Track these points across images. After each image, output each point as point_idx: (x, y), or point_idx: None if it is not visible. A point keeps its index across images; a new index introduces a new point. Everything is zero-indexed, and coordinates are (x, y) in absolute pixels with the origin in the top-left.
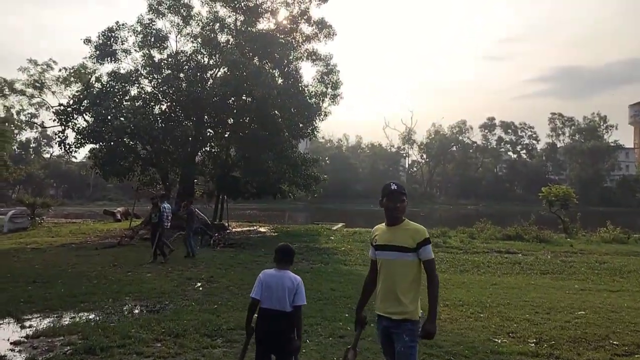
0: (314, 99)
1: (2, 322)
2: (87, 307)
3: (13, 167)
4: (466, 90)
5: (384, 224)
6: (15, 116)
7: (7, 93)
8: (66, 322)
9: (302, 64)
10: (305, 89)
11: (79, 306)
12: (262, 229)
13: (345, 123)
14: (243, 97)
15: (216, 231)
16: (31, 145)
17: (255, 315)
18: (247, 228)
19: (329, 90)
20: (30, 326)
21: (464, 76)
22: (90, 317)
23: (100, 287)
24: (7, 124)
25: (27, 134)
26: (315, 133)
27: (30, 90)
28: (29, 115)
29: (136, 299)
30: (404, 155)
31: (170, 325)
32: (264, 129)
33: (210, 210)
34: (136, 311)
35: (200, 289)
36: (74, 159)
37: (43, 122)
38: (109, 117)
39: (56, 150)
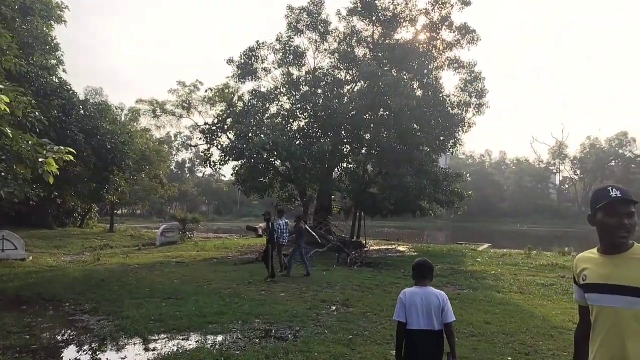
0: (456, 110)
1: (129, 342)
2: (215, 330)
3: (168, 185)
4: (627, 99)
5: (595, 250)
6: (173, 138)
7: (159, 114)
8: (191, 347)
9: (443, 73)
10: (447, 99)
11: (207, 328)
12: (401, 248)
13: (486, 137)
14: (380, 111)
15: (353, 249)
16: (186, 165)
17: None
18: (385, 247)
19: (473, 99)
20: (154, 349)
21: (623, 83)
22: (218, 339)
23: (231, 307)
24: (164, 145)
25: (183, 155)
26: (459, 146)
27: (179, 111)
28: (185, 137)
29: (266, 322)
30: (555, 171)
31: (299, 358)
32: (402, 143)
33: (348, 228)
34: (264, 336)
35: (335, 313)
36: (222, 178)
37: (197, 144)
38: (250, 135)
39: (208, 170)
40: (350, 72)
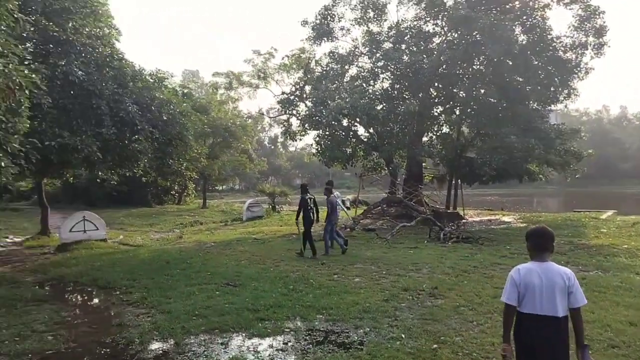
0: (569, 53)
1: (157, 348)
2: (263, 330)
3: (257, 160)
4: None
5: None
6: (265, 114)
7: (235, 86)
8: (226, 356)
9: (551, 12)
10: (557, 41)
11: (255, 327)
12: (505, 219)
13: (602, 92)
14: (476, 63)
15: (449, 221)
16: (279, 140)
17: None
18: (487, 217)
19: (591, 38)
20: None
21: None
22: (262, 345)
23: (292, 297)
24: (249, 120)
25: (276, 130)
26: (573, 96)
27: (255, 81)
28: (278, 110)
29: (329, 319)
30: None
31: None
32: (503, 98)
33: (442, 197)
34: (321, 341)
35: (418, 307)
36: (313, 150)
37: (275, 115)
38: (327, 100)
39: (299, 143)
40: (439, 21)
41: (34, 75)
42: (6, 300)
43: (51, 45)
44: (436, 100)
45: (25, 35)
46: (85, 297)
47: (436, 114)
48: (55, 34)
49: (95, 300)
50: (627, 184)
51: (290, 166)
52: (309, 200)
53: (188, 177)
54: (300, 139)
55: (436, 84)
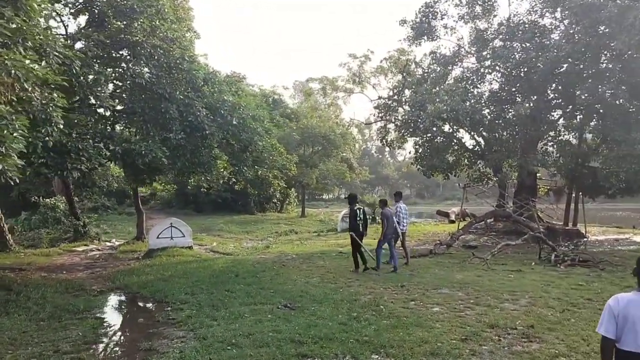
0: None
1: None
2: None
3: (359, 169)
4: None
5: None
6: (364, 122)
7: (329, 92)
8: None
9: None
10: None
11: None
12: (637, 238)
13: None
14: (601, 60)
15: (567, 239)
16: (387, 149)
17: None
18: (615, 236)
19: None
20: None
21: None
22: None
23: (351, 328)
24: (349, 128)
25: None
26: None
27: (350, 86)
28: (374, 116)
29: None
30: None
31: None
32: (635, 99)
33: (560, 212)
34: None
35: (503, 350)
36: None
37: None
38: (426, 104)
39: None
40: (557, 14)
41: (36, 67)
42: (57, 310)
43: (124, 49)
44: (553, 103)
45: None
46: (134, 312)
47: (553, 118)
48: (126, 36)
49: (141, 318)
50: None
51: (398, 176)
52: (358, 211)
53: (276, 185)
54: (400, 147)
55: (554, 85)
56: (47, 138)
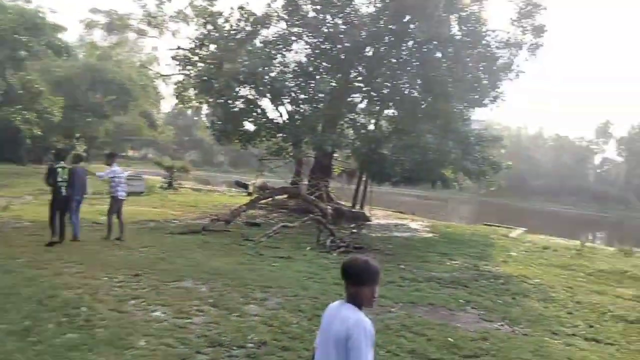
0: (502, 50)
1: None
2: None
3: (163, 127)
4: None
5: None
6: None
7: (117, 31)
8: None
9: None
10: (492, 34)
11: None
12: (413, 225)
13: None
14: (402, 47)
15: (351, 222)
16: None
17: None
18: (395, 221)
19: (527, 37)
20: None
21: None
22: None
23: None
24: (154, 80)
25: None
26: (500, 101)
27: (145, 28)
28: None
29: None
30: (596, 151)
31: None
32: (426, 91)
33: (350, 194)
34: None
35: None
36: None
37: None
38: (223, 62)
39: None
40: None
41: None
42: None
43: None
44: (356, 86)
45: None
46: None
47: (356, 101)
48: None
49: None
50: (536, 200)
51: (213, 141)
52: (60, 171)
53: (27, 130)
54: (198, 107)
55: (359, 69)
56: None
